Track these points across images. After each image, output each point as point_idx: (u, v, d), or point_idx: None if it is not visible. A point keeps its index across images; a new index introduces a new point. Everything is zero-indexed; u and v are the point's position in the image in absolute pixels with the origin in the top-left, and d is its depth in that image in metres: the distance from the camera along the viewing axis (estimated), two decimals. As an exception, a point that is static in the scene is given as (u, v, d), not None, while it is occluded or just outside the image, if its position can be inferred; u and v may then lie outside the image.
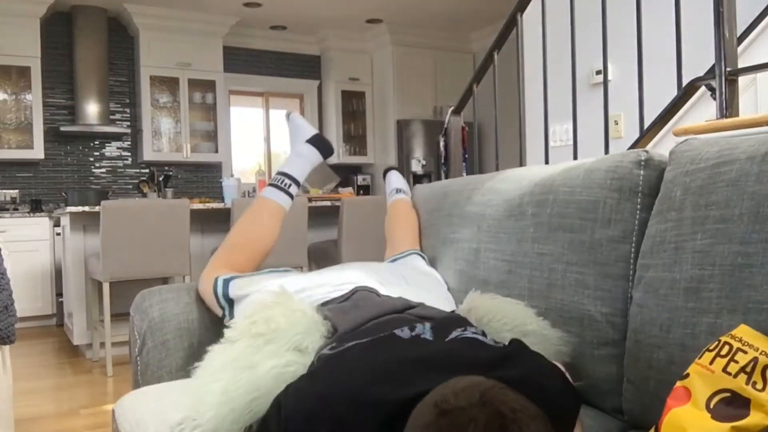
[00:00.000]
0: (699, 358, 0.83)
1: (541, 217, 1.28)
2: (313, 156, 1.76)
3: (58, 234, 4.81)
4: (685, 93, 2.43)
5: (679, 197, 1.03)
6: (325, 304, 1.23)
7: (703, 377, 0.80)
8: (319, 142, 1.78)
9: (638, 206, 1.14)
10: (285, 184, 1.65)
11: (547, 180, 1.31)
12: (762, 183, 0.92)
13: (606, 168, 1.19)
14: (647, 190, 1.14)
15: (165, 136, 6.00)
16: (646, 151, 1.16)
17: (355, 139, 6.96)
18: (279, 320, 1.12)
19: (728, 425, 0.73)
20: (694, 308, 0.96)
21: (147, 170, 6.10)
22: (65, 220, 4.00)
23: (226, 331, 1.21)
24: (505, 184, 1.46)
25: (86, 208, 3.70)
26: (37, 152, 5.41)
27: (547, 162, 2.95)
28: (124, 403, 1.38)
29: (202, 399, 1.10)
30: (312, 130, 1.82)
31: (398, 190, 2.01)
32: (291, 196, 1.65)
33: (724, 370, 0.78)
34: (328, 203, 4.57)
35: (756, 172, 0.93)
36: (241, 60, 6.58)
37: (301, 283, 1.33)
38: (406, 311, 1.11)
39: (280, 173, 1.68)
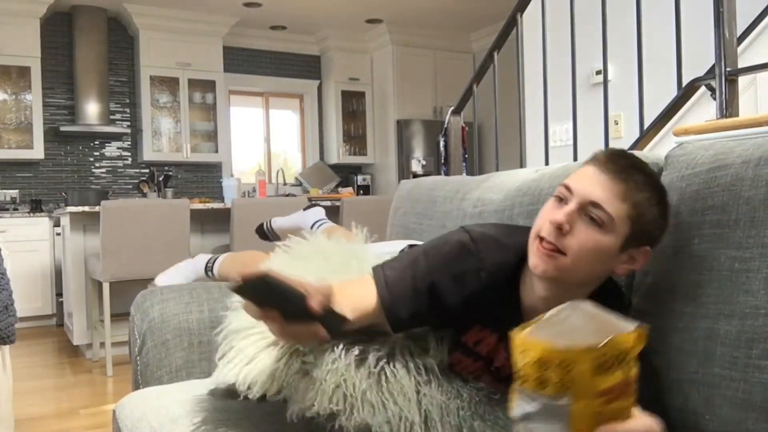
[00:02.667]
0: None
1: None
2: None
3: (58, 234, 4.81)
4: (685, 93, 2.42)
5: (676, 202, 1.02)
6: None
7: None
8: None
9: None
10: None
11: (534, 189, 1.29)
12: (757, 188, 0.91)
13: None
14: None
15: (165, 136, 6.00)
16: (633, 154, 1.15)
17: (355, 139, 6.96)
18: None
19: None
20: (692, 313, 0.96)
21: (147, 170, 6.10)
22: (65, 220, 4.01)
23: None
24: (493, 194, 1.44)
25: (86, 208, 3.70)
26: (37, 152, 5.41)
27: (547, 162, 2.95)
28: (124, 403, 1.39)
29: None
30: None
31: (322, 222, 2.37)
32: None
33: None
34: (328, 203, 4.57)
35: (751, 177, 0.93)
36: (241, 60, 6.58)
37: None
38: None
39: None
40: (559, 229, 0.89)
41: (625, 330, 0.70)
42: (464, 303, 0.99)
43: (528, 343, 0.69)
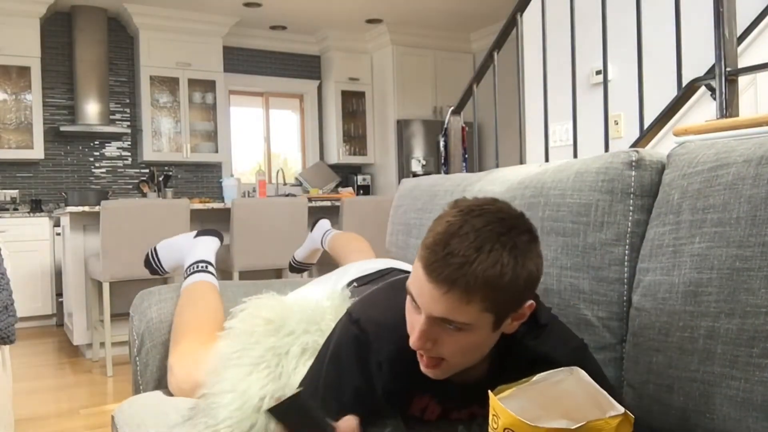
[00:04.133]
0: None
1: (533, 220, 1.26)
2: (210, 241, 1.83)
3: (58, 234, 4.81)
4: (685, 93, 2.43)
5: (677, 200, 1.02)
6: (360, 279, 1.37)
7: None
8: (206, 230, 1.88)
9: (630, 208, 1.12)
10: (203, 267, 1.70)
11: (537, 182, 1.29)
12: (758, 186, 0.91)
13: (596, 169, 1.17)
14: (639, 191, 1.12)
15: (165, 136, 6.00)
16: (637, 151, 1.14)
17: (355, 139, 6.96)
18: (268, 314, 1.19)
19: None
20: (693, 312, 0.96)
21: (147, 170, 6.10)
22: (65, 220, 4.00)
23: (223, 333, 1.23)
24: (495, 186, 1.44)
25: (86, 208, 3.70)
26: (37, 152, 5.41)
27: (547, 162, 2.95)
28: (123, 409, 1.39)
29: (212, 402, 1.11)
30: (191, 232, 1.90)
31: (327, 233, 2.24)
32: (213, 275, 1.70)
33: None
34: (328, 203, 4.57)
35: (752, 176, 0.93)
36: (241, 60, 6.58)
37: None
38: None
39: (194, 263, 1.72)
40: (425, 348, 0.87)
41: (609, 414, 0.72)
42: (388, 389, 0.97)
43: (499, 408, 0.73)
